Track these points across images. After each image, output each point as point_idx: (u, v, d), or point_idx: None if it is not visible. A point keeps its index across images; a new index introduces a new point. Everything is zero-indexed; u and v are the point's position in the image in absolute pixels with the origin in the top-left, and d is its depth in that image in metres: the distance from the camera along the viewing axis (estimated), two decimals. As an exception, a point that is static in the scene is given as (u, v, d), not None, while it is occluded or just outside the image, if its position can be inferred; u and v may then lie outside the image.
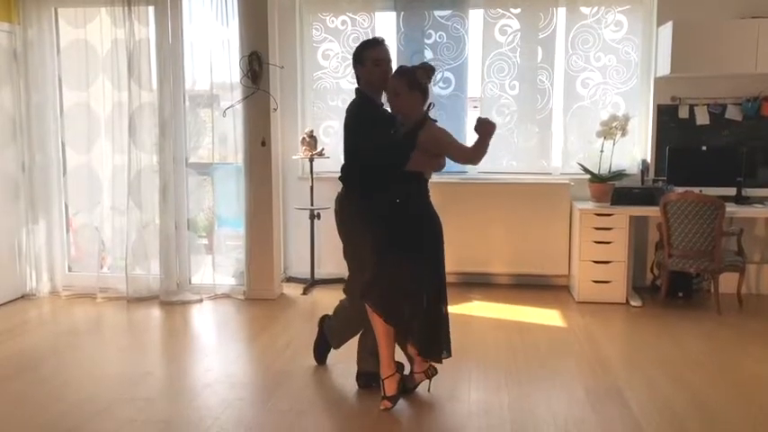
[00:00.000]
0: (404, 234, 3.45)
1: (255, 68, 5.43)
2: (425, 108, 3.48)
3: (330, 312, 4.08)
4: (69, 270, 6.02)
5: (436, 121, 3.52)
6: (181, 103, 5.71)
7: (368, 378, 3.75)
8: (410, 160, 3.40)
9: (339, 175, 3.73)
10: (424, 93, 3.45)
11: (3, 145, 5.60)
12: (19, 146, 5.72)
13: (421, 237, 3.48)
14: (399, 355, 3.63)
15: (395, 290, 3.45)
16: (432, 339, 3.52)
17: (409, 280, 3.44)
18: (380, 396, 3.53)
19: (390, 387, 3.52)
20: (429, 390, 3.68)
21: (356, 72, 3.69)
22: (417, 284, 3.45)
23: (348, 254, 3.73)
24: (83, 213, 5.99)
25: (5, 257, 5.65)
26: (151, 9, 5.57)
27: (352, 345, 3.89)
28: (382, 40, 3.67)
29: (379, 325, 3.48)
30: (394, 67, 3.61)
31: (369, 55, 3.60)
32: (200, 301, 5.64)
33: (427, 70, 3.47)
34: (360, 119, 3.60)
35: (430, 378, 3.66)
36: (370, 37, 5.83)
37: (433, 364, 3.63)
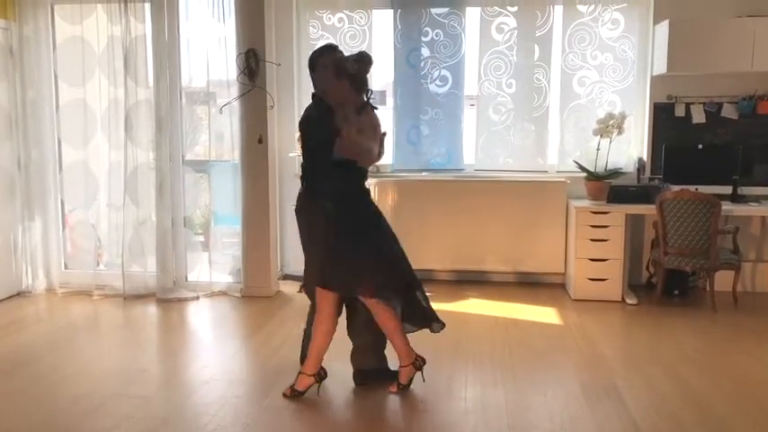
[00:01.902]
0: (352, 222, 3.50)
1: (252, 65, 5.42)
2: (365, 96, 3.52)
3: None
4: (65, 267, 6.00)
5: (377, 108, 3.57)
6: (177, 100, 5.71)
7: (364, 376, 3.76)
8: (335, 145, 3.41)
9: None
10: (354, 81, 3.46)
11: (-2, 141, 5.60)
12: (15, 142, 5.70)
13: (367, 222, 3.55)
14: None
15: (368, 269, 3.51)
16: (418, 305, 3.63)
17: (375, 255, 3.52)
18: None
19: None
20: (423, 380, 3.68)
21: (312, 78, 3.65)
22: (383, 256, 3.55)
23: (307, 250, 3.71)
24: (79, 210, 5.97)
25: (1, 254, 5.64)
26: (147, 6, 5.56)
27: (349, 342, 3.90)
28: (336, 46, 3.68)
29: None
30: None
31: (323, 61, 3.58)
32: (197, 298, 5.63)
33: (357, 61, 3.49)
34: (313, 120, 3.59)
35: (420, 369, 3.67)
36: (363, 36, 5.95)
37: (420, 355, 3.66)
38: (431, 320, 3.69)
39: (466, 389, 3.75)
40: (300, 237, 3.66)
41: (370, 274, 3.51)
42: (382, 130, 3.63)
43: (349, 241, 3.46)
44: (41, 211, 5.82)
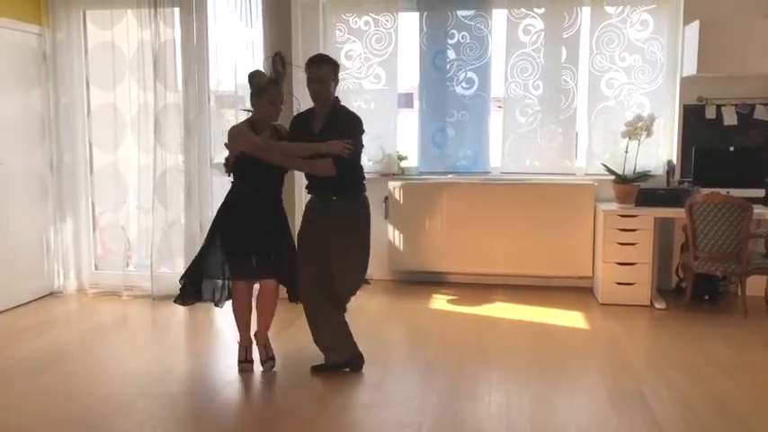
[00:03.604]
0: None
1: (279, 69, 5.44)
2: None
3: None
4: (96, 268, 6.10)
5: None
6: (206, 104, 5.77)
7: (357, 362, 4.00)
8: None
9: None
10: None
11: (32, 145, 5.71)
12: (47, 146, 5.82)
13: None
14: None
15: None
16: None
17: None
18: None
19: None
20: None
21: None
22: None
23: None
24: (109, 212, 6.07)
25: (34, 255, 5.76)
26: (176, 11, 5.64)
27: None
28: (320, 58, 3.97)
29: None
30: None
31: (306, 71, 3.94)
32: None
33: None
34: None
35: None
36: (389, 39, 5.97)
37: None
38: None
39: (490, 392, 3.73)
40: None
41: None
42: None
43: None
44: (73, 213, 5.93)
